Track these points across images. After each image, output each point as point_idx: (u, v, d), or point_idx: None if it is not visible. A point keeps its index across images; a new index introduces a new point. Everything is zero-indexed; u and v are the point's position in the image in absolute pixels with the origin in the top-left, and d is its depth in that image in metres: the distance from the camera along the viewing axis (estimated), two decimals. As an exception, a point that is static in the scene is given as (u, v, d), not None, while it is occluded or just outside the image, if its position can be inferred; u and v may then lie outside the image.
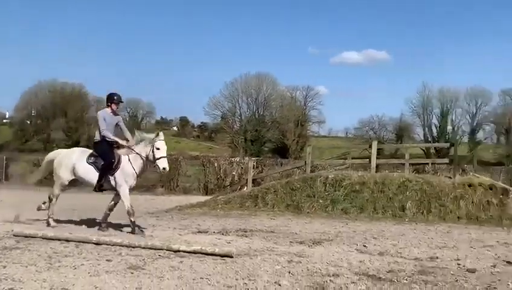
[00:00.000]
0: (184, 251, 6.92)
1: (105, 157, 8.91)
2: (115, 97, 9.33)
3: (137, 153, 8.88)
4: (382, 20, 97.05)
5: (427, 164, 18.51)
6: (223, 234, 9.06)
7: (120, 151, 8.99)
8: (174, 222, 10.62)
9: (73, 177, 9.23)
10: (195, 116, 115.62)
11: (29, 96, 70.31)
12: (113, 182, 8.93)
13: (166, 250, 7.01)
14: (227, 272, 5.80)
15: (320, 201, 13.76)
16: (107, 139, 8.97)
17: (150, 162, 8.92)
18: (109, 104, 9.30)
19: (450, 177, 14.19)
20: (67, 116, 71.21)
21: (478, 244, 9.00)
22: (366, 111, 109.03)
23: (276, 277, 5.66)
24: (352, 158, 18.60)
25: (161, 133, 9.10)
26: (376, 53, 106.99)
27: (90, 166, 9.03)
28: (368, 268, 6.39)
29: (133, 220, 8.81)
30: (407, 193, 13.30)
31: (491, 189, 13.03)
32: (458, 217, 12.44)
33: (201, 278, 5.49)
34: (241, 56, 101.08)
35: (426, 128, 66.45)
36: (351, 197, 13.64)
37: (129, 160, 8.91)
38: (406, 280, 5.77)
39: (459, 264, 6.85)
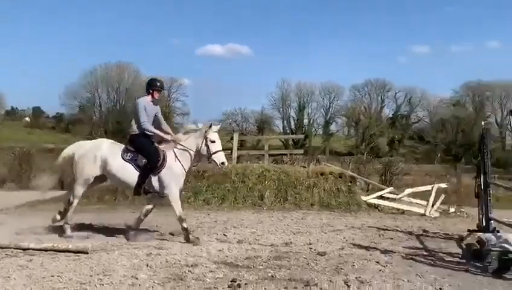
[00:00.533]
0: (34, 249, 6.50)
1: (149, 154, 7.67)
2: (158, 83, 8.02)
3: (185, 148, 7.81)
4: (243, 15, 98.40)
5: (285, 154, 19.28)
6: (78, 230, 8.63)
7: (164, 146, 7.84)
8: (25, 219, 9.88)
9: (100, 173, 7.87)
10: (50, 106, 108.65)
11: None
12: (156, 184, 7.74)
13: (14, 248, 6.55)
14: (81, 269, 5.56)
15: (183, 193, 13.71)
16: (148, 132, 7.76)
17: (201, 157, 7.98)
18: (150, 91, 7.95)
19: (305, 167, 15.01)
20: None
21: (329, 229, 9.66)
22: (229, 104, 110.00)
23: (134, 270, 5.56)
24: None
25: (214, 126, 7.96)
26: (239, 47, 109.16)
27: (127, 163, 7.73)
28: (227, 256, 6.54)
29: (185, 226, 7.74)
30: (266, 182, 13.79)
31: (340, 177, 14.02)
32: (312, 204, 13.19)
33: (52, 276, 5.20)
34: (102, 45, 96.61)
35: (285, 121, 69.45)
36: (213, 188, 13.80)
37: (176, 156, 7.77)
38: (262, 265, 6.01)
39: (310, 248, 7.30)
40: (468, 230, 8.77)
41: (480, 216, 8.51)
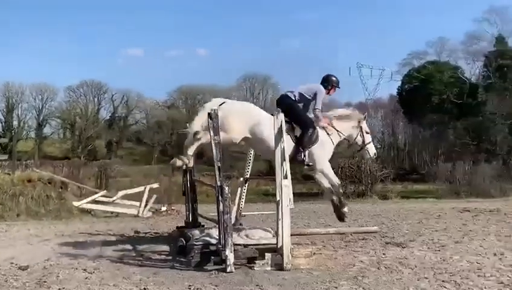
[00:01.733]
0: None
1: (305, 122, 7.22)
2: (335, 79, 7.68)
3: (338, 131, 7.52)
4: None
5: (-13, 161, 17.41)
6: None
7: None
8: None
9: None
10: None
11: None
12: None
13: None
14: None
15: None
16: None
17: (352, 146, 7.91)
18: (330, 87, 7.60)
19: (9, 174, 13.83)
20: None
21: (36, 239, 9.09)
22: None
23: None
24: None
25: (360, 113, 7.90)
26: None
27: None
28: None
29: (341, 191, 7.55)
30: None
31: (50, 183, 13.31)
32: (17, 214, 12.26)
33: None
34: None
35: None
36: None
37: (328, 134, 7.44)
38: None
39: (12, 263, 6.69)
40: (177, 227, 9.29)
41: (187, 213, 9.10)
